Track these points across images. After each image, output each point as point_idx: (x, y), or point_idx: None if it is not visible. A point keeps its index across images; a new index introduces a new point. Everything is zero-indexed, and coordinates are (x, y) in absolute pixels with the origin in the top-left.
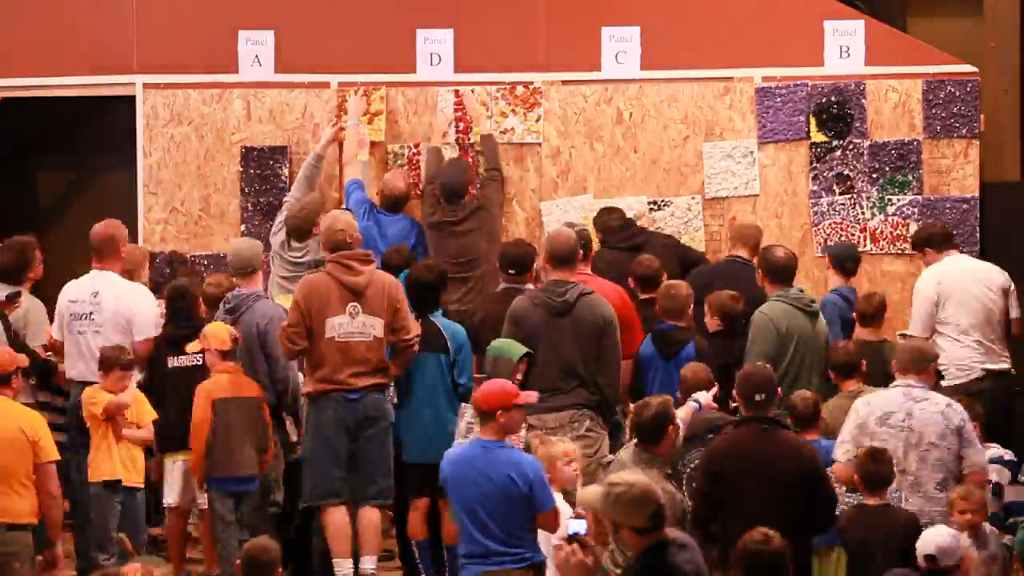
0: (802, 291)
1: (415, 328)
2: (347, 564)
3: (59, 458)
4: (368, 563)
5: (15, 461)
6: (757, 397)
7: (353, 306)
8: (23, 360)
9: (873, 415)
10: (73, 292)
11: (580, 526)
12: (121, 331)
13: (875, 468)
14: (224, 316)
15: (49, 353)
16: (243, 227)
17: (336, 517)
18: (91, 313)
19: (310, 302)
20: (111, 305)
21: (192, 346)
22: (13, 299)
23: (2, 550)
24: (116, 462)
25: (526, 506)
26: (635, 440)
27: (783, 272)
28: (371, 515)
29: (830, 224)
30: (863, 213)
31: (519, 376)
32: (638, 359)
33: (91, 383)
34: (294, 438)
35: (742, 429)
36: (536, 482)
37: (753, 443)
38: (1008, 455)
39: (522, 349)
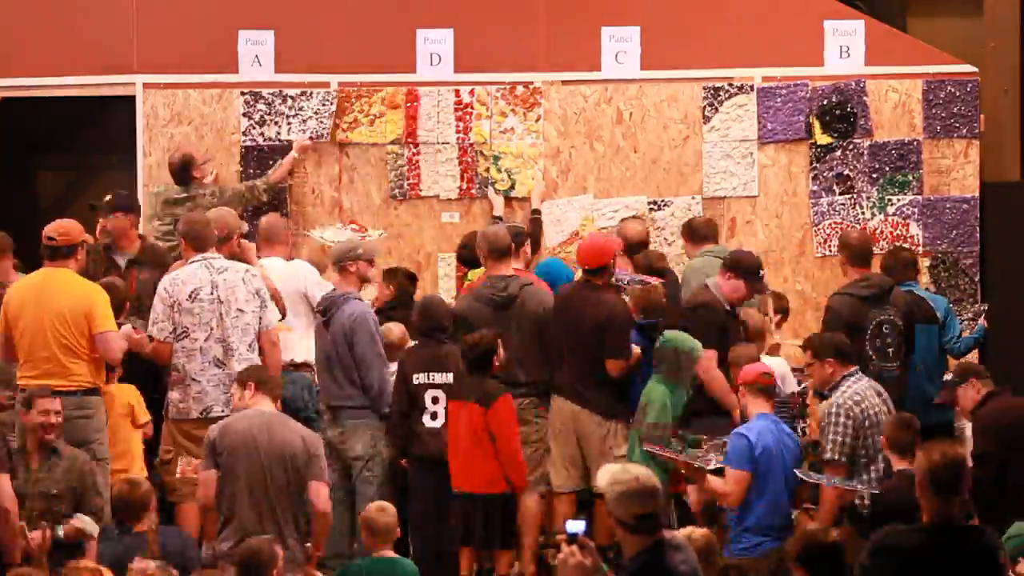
0: (726, 249)
1: None
2: None
3: (116, 328)
4: None
5: (73, 332)
6: None
7: None
8: (88, 237)
9: None
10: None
11: (578, 527)
12: None
13: (902, 436)
14: (317, 317)
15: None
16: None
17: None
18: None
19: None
20: None
21: None
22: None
23: (80, 413)
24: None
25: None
26: None
27: (701, 230)
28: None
29: (830, 224)
30: (863, 213)
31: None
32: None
33: None
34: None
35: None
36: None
37: None
38: None
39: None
